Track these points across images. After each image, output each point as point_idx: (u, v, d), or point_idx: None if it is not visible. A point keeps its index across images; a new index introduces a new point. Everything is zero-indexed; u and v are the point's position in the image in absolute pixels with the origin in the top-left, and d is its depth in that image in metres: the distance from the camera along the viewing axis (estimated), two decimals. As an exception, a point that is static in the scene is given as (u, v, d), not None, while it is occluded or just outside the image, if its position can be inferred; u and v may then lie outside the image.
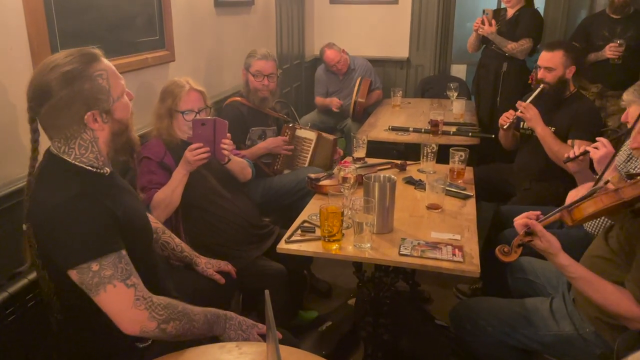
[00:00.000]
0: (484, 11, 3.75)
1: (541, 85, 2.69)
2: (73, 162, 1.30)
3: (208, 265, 1.88)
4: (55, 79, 1.21)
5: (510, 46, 3.65)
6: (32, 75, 1.26)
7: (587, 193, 1.47)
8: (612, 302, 1.45)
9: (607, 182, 1.47)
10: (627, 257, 1.51)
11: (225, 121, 2.07)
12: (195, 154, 1.98)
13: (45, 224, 1.23)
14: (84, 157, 1.31)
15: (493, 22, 3.69)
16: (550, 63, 2.64)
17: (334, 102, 4.24)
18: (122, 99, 1.33)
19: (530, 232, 1.48)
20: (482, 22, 3.71)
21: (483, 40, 3.87)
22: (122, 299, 1.23)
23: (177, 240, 1.85)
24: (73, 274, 1.22)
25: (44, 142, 1.34)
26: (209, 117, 2.08)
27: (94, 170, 1.32)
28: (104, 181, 1.34)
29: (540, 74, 2.69)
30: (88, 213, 1.23)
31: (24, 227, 1.29)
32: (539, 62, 2.71)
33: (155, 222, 1.83)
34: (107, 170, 1.36)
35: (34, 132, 1.29)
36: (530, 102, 2.67)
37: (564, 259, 1.48)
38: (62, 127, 1.26)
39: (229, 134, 2.09)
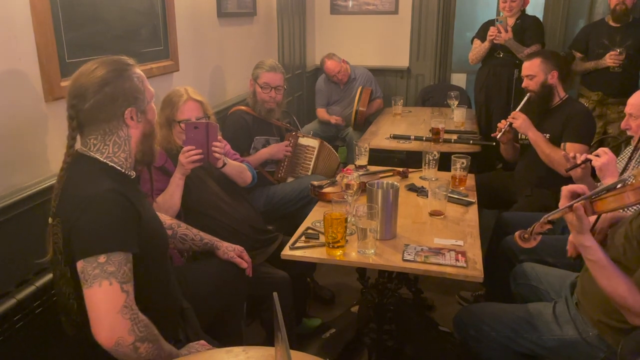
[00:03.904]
0: (497, 19, 3.79)
1: (528, 94, 2.78)
2: (104, 160, 1.36)
3: (230, 248, 1.91)
4: (98, 77, 1.32)
5: (527, 51, 3.69)
6: (72, 79, 1.35)
7: (608, 186, 1.46)
8: (621, 293, 1.44)
9: (628, 178, 1.46)
10: (633, 252, 1.52)
11: (216, 124, 2.10)
12: (188, 155, 2.01)
13: (72, 214, 1.26)
14: (116, 156, 1.38)
15: (509, 29, 3.74)
16: (530, 71, 2.75)
17: (338, 121, 4.27)
18: (151, 103, 1.44)
19: (551, 221, 1.48)
20: (498, 31, 3.75)
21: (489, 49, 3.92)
22: (113, 300, 1.22)
23: (194, 230, 1.89)
24: (79, 264, 1.24)
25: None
26: (201, 121, 2.11)
27: (122, 170, 1.39)
28: (130, 183, 1.40)
29: (524, 83, 2.80)
30: (115, 207, 1.27)
31: (50, 220, 1.33)
32: (522, 73, 2.82)
33: (170, 218, 1.87)
34: (133, 173, 1.43)
35: (73, 130, 1.35)
36: (520, 110, 2.74)
37: (588, 240, 1.47)
38: (103, 122, 1.34)
39: (220, 137, 2.11)
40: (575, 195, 1.49)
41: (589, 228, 1.48)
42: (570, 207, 1.44)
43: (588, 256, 1.48)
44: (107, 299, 1.22)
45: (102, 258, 1.23)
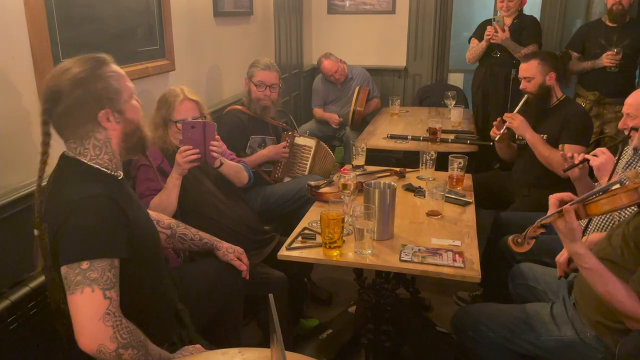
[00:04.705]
0: (493, 19, 3.80)
1: (525, 96, 2.77)
2: (89, 163, 1.33)
3: (230, 250, 1.90)
4: (68, 79, 1.27)
5: (524, 51, 3.69)
6: (46, 80, 1.31)
7: (601, 188, 1.46)
8: (618, 299, 1.44)
9: (622, 180, 1.46)
10: (631, 253, 1.52)
11: (214, 123, 2.09)
12: (185, 155, 2.00)
13: (57, 218, 1.25)
14: (99, 158, 1.34)
15: (506, 28, 3.74)
16: (528, 73, 2.74)
17: (333, 118, 4.26)
18: (131, 100, 1.38)
19: (544, 225, 1.47)
20: (495, 31, 3.75)
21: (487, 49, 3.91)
22: (94, 307, 1.21)
23: (193, 230, 1.87)
24: (62, 270, 1.23)
25: (58, 148, 1.36)
26: (198, 120, 2.10)
27: (109, 172, 1.36)
28: (118, 184, 1.37)
29: (522, 85, 2.78)
30: (100, 212, 1.25)
31: (35, 232, 1.30)
32: (519, 75, 2.80)
33: (168, 218, 1.86)
34: (120, 174, 1.40)
35: (46, 135, 1.32)
36: (518, 112, 2.73)
37: (581, 247, 1.46)
38: (77, 126, 1.31)
39: (217, 136, 2.10)
40: (562, 203, 1.49)
41: (581, 235, 1.48)
42: (560, 212, 1.43)
43: (583, 264, 1.48)
44: (89, 306, 1.21)
45: (84, 264, 1.21)
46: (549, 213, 1.49)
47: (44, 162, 1.33)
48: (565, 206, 1.44)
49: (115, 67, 1.35)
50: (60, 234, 1.24)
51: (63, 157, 1.35)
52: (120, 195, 1.32)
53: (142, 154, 1.48)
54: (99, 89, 1.29)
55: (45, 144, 1.32)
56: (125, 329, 1.24)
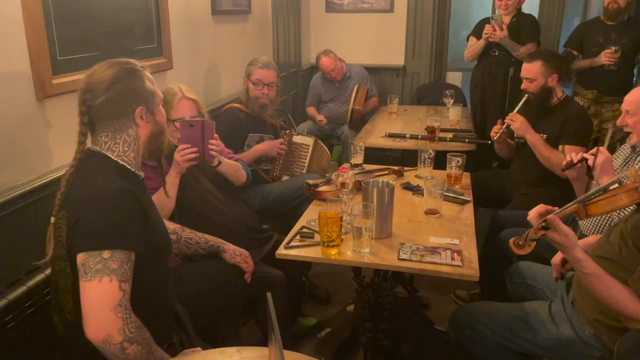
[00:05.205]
0: (492, 18, 3.80)
1: (526, 96, 2.75)
2: (115, 159, 1.37)
3: (237, 253, 1.91)
4: (111, 75, 1.35)
5: (522, 50, 3.69)
6: (85, 76, 1.37)
7: (601, 188, 1.45)
8: (620, 302, 1.44)
9: (621, 179, 1.46)
10: (630, 251, 1.52)
11: (212, 122, 2.08)
12: (183, 154, 2.00)
13: (80, 207, 1.26)
14: (126, 155, 1.39)
15: (504, 26, 3.74)
16: (530, 74, 2.70)
17: (319, 118, 4.28)
18: (160, 106, 1.47)
19: (545, 227, 1.46)
20: (493, 29, 3.75)
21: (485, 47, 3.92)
22: (109, 297, 1.22)
23: (199, 233, 1.88)
24: (80, 256, 1.23)
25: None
26: (197, 119, 2.09)
27: (132, 170, 1.40)
28: (140, 183, 1.41)
29: (523, 85, 2.75)
30: (124, 206, 1.28)
31: (52, 219, 1.33)
32: (521, 74, 2.77)
33: (172, 223, 1.87)
34: (142, 174, 1.44)
35: (84, 125, 1.36)
36: (518, 111, 2.71)
37: (580, 253, 1.46)
38: (113, 118, 1.36)
39: (216, 135, 2.10)
40: (544, 214, 1.48)
41: (576, 238, 1.47)
42: (546, 221, 1.43)
43: (583, 270, 1.47)
44: (103, 295, 1.22)
45: (106, 254, 1.23)
46: (532, 231, 1.49)
47: (80, 152, 1.36)
48: (549, 216, 1.44)
49: (149, 74, 1.43)
50: (82, 221, 1.25)
51: (88, 151, 1.38)
52: (141, 194, 1.36)
53: (158, 158, 1.54)
54: (139, 87, 1.38)
55: (83, 134, 1.36)
56: (134, 323, 1.25)
